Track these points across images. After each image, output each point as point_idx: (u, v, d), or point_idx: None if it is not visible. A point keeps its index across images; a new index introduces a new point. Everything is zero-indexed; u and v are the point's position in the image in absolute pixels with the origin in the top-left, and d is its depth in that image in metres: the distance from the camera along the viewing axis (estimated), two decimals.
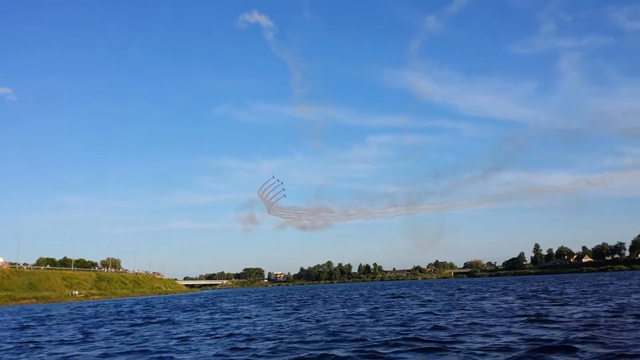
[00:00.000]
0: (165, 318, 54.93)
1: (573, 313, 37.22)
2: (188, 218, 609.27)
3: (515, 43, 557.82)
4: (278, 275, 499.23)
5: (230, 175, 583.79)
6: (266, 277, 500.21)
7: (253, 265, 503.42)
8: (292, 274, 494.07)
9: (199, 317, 55.23)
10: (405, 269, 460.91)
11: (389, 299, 74.74)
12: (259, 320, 46.02)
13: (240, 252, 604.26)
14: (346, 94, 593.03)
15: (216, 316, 55.50)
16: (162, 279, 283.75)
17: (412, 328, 32.42)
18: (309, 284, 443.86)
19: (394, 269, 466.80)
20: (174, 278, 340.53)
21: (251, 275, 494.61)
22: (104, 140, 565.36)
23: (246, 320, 46.43)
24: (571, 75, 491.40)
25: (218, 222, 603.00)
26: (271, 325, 39.95)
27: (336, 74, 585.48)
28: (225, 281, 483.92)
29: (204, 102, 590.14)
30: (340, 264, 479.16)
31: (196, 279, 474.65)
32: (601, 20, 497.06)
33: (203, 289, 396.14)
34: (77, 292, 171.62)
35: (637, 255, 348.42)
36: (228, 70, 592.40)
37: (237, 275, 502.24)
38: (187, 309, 77.37)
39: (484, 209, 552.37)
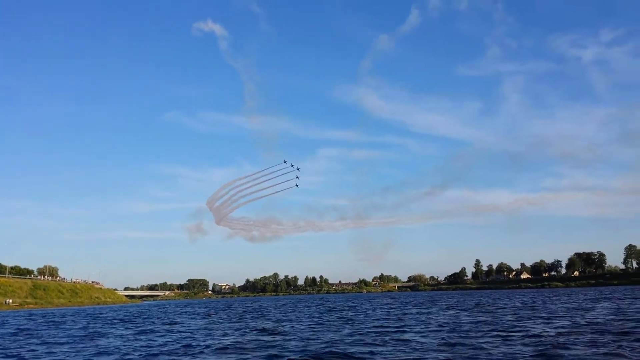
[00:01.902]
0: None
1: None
2: (132, 227, 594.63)
3: (462, 65, 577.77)
4: (223, 287, 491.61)
5: (177, 183, 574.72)
6: (210, 288, 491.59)
7: (197, 276, 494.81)
8: (237, 286, 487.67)
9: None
10: (351, 282, 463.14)
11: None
12: None
13: (185, 262, 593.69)
14: (298, 106, 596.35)
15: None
16: (101, 288, 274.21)
17: None
18: (254, 296, 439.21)
19: (339, 281, 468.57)
20: (114, 288, 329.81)
21: (195, 286, 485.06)
22: (50, 146, 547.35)
23: None
24: (514, 99, 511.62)
25: (163, 232, 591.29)
26: None
27: (289, 86, 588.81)
28: (167, 292, 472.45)
29: (153, 108, 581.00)
30: (286, 276, 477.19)
31: (137, 289, 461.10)
32: (544, 47, 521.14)
33: (144, 300, 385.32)
34: (11, 301, 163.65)
35: (573, 273, 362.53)
36: (179, 77, 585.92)
37: (181, 287, 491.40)
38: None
39: (429, 225, 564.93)
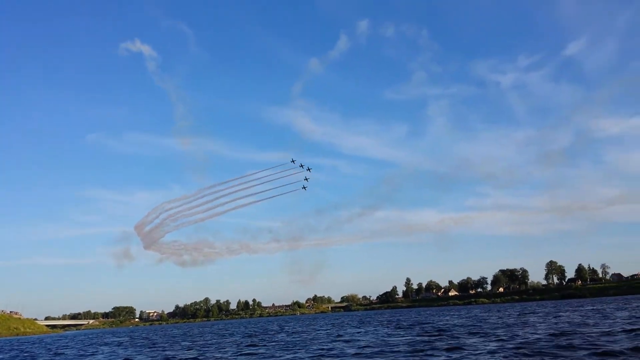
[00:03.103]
0: None
1: None
2: (53, 253, 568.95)
3: (389, 89, 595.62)
4: (151, 314, 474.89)
5: (101, 207, 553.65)
6: (138, 316, 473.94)
7: (124, 303, 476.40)
8: (166, 312, 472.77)
9: None
10: (284, 304, 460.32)
11: None
12: None
13: (111, 289, 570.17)
14: (229, 128, 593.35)
15: None
16: (20, 319, 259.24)
17: None
18: (184, 322, 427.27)
19: (273, 304, 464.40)
20: (34, 318, 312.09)
21: (121, 314, 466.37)
22: None
23: None
24: (439, 121, 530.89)
25: (87, 257, 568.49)
26: None
27: (220, 108, 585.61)
28: (91, 321, 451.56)
29: (75, 129, 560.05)
30: (218, 301, 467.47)
31: (59, 318, 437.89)
32: (466, 72, 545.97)
33: (66, 330, 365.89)
34: None
35: (498, 289, 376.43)
36: (104, 98, 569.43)
37: (106, 315, 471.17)
38: None
39: (362, 245, 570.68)
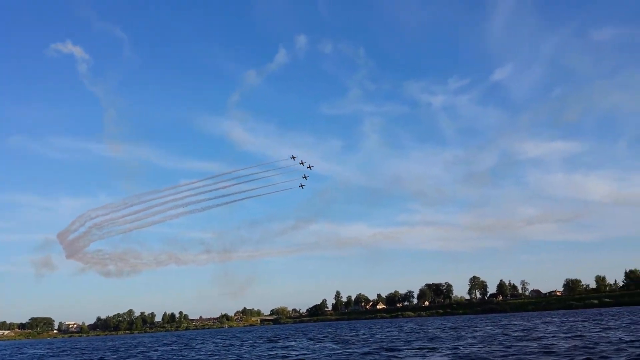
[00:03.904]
0: None
1: None
2: None
3: (326, 104, 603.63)
4: (71, 326, 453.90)
5: (19, 212, 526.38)
6: (56, 327, 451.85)
7: (42, 314, 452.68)
8: (87, 324, 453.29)
9: None
10: (212, 317, 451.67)
11: None
12: None
13: (28, 299, 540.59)
14: (161, 136, 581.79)
15: None
16: None
17: None
18: (106, 334, 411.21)
19: (200, 317, 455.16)
20: None
21: (38, 325, 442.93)
22: None
23: None
24: (373, 138, 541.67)
25: (2, 265, 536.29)
26: None
27: (153, 115, 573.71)
28: (6, 332, 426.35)
29: None
30: (142, 313, 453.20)
31: None
32: (400, 92, 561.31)
33: None
34: None
35: (424, 303, 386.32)
36: (29, 99, 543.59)
37: (22, 326, 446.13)
38: None
39: (294, 258, 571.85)
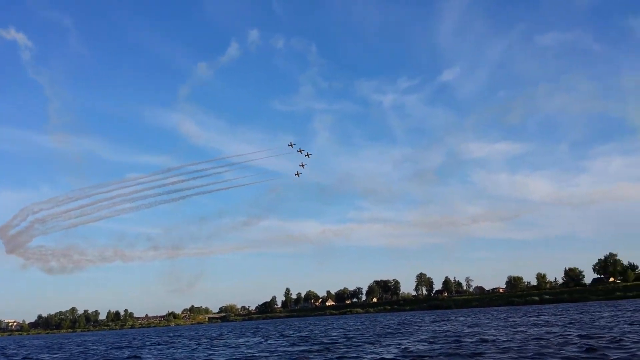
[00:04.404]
0: None
1: None
2: None
3: (277, 99, 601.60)
4: (10, 324, 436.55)
5: None
6: None
7: None
8: (27, 322, 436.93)
9: None
10: (159, 314, 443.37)
11: None
12: None
13: None
14: (108, 128, 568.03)
15: None
16: None
17: None
18: (47, 333, 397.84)
19: (146, 315, 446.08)
20: None
21: None
22: None
23: None
24: (324, 135, 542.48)
25: None
26: None
27: (99, 106, 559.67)
28: None
29: None
30: (86, 311, 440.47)
31: None
32: (351, 90, 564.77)
33: None
34: None
35: (372, 299, 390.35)
36: None
37: None
38: None
39: (244, 254, 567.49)
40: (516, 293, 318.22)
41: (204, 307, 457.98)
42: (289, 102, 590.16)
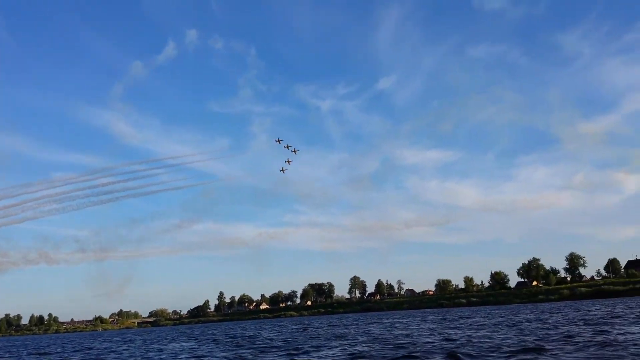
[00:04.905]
0: None
1: None
2: None
3: (215, 101, 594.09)
4: None
5: None
6: None
7: None
8: None
9: None
10: (85, 319, 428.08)
11: None
12: None
13: None
14: (34, 124, 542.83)
15: None
16: None
17: None
18: None
19: (72, 319, 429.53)
20: None
21: None
22: None
23: None
24: (261, 138, 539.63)
25: None
26: None
27: (23, 101, 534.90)
28: None
29: None
30: (7, 315, 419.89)
31: None
32: (289, 94, 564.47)
33: None
34: None
35: (306, 302, 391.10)
36: None
37: None
38: None
39: (176, 257, 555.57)
40: (445, 296, 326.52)
41: (133, 311, 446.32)
42: (227, 104, 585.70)
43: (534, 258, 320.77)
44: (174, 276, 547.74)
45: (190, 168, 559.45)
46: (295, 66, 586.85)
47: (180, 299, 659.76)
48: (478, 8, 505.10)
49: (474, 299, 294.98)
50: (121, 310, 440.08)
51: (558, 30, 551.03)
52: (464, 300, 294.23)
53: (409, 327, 79.76)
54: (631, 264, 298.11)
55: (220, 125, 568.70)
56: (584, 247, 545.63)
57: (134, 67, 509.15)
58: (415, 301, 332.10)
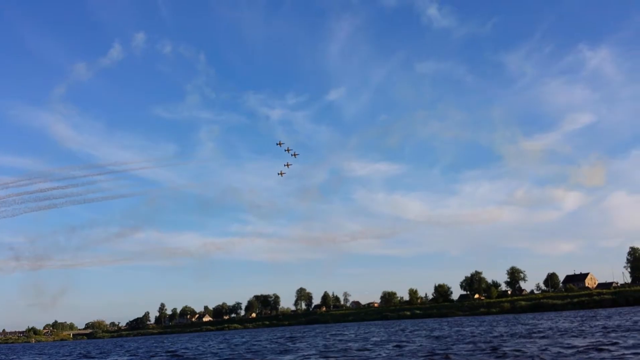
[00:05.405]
0: None
1: None
2: None
3: (161, 106, 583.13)
4: None
5: None
6: None
7: None
8: None
9: None
10: (18, 330, 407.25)
11: None
12: None
13: None
14: None
15: None
16: None
17: None
18: None
19: (3, 330, 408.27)
20: None
21: None
22: None
23: None
24: (209, 146, 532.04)
25: None
26: None
27: None
28: None
29: None
30: None
31: None
32: (238, 102, 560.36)
33: None
34: None
35: (251, 315, 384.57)
36: None
37: None
38: None
39: (116, 267, 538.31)
40: (390, 308, 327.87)
41: (68, 322, 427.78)
42: (174, 109, 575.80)
43: (476, 271, 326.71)
44: (113, 287, 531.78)
45: (134, 175, 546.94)
46: (245, 74, 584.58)
47: (119, 310, 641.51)
48: (426, 26, 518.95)
49: (418, 312, 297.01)
50: (56, 322, 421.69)
51: (503, 50, 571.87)
52: (408, 313, 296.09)
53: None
54: (569, 278, 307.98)
55: (165, 131, 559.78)
56: (524, 262, 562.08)
57: (77, 68, 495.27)
58: (360, 313, 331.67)
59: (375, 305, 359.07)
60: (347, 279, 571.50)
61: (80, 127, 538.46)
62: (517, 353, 39.82)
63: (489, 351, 42.82)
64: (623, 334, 55.81)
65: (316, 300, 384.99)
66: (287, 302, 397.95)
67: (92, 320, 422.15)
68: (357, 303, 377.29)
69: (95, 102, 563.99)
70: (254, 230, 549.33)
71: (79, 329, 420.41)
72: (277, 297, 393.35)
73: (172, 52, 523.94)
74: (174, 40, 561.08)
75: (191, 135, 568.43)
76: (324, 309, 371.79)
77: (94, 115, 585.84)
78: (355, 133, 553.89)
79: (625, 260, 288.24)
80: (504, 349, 43.73)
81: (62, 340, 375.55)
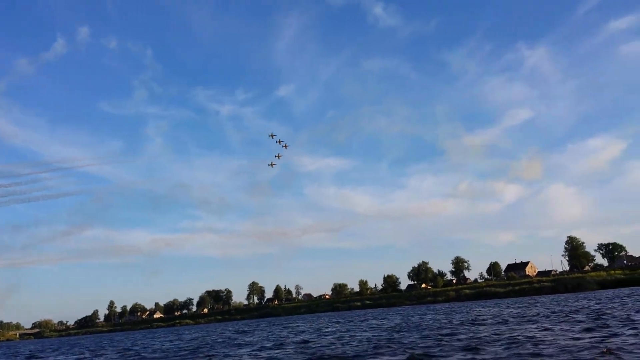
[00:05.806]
0: None
1: None
2: None
3: (107, 102, 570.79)
4: None
5: None
6: None
7: None
8: None
9: None
10: None
11: None
12: None
13: None
14: None
15: None
16: None
17: None
18: None
19: None
20: None
21: None
22: None
23: None
24: (157, 142, 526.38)
25: None
26: None
27: None
28: None
29: None
30: None
31: None
32: (187, 97, 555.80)
33: None
34: None
35: (203, 310, 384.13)
36: None
37: None
38: None
39: (63, 266, 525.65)
40: (340, 299, 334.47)
41: (14, 322, 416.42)
42: (120, 105, 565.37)
43: (423, 262, 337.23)
44: (61, 285, 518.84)
45: (80, 172, 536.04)
46: (193, 69, 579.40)
47: (67, 309, 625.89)
48: (372, 24, 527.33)
49: (368, 302, 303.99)
50: (2, 322, 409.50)
51: (446, 48, 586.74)
52: (358, 303, 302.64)
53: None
54: (510, 267, 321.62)
55: (111, 127, 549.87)
56: (468, 252, 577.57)
57: (18, 63, 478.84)
58: (312, 305, 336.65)
59: (327, 297, 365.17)
60: (299, 273, 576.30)
61: (21, 122, 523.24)
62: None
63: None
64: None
65: (268, 294, 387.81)
66: (239, 297, 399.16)
67: (39, 320, 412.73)
68: (309, 295, 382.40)
69: (38, 97, 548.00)
70: (204, 226, 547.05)
71: (26, 329, 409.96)
72: (229, 292, 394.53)
73: (117, 47, 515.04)
74: (119, 35, 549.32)
75: (139, 130, 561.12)
76: (276, 302, 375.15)
77: (37, 110, 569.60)
78: (305, 128, 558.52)
79: (563, 249, 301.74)
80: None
81: (7, 340, 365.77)
